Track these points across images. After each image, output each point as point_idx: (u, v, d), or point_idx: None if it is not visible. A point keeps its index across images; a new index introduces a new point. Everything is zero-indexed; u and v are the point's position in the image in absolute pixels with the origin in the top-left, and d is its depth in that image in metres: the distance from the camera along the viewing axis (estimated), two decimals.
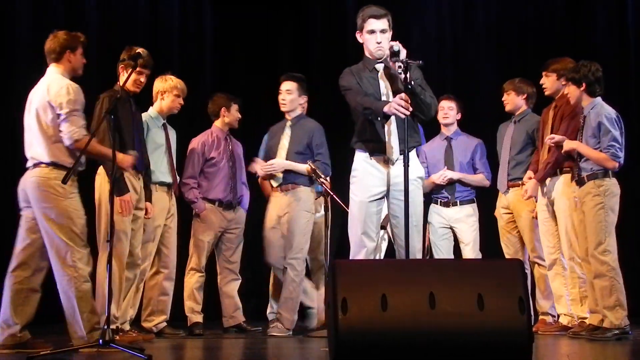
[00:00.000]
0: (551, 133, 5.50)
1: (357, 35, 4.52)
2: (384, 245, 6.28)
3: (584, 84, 5.13)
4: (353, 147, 4.51)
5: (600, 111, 5.08)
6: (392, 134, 4.36)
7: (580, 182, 5.12)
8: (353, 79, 4.47)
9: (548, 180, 5.56)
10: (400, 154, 4.33)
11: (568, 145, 5.20)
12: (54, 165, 4.44)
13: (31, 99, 4.57)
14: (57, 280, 4.43)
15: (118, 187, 4.82)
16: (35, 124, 4.49)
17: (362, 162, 4.44)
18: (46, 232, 4.43)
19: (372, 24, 4.42)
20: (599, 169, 5.04)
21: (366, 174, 4.41)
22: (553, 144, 5.37)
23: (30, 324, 4.58)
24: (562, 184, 5.45)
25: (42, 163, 4.46)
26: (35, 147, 4.50)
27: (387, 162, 4.39)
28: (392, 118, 4.34)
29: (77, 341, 4.37)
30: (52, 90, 4.46)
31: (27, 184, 4.48)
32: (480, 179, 6.17)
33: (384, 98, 4.39)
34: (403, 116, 4.17)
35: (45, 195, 4.41)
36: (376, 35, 4.41)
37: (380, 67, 4.46)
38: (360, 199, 4.40)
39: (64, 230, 4.39)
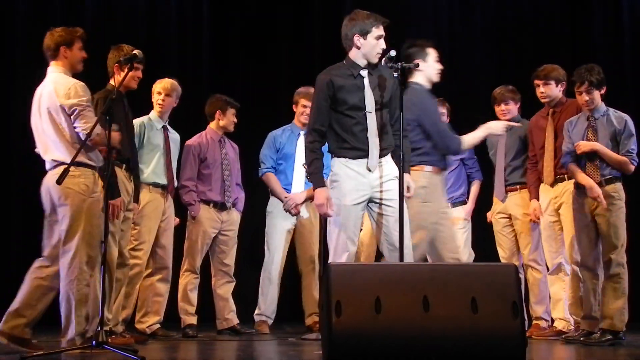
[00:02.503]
0: (556, 139, 5.49)
1: (355, 38, 4.48)
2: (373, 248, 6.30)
3: (604, 87, 5.13)
4: (331, 152, 4.49)
5: (620, 114, 5.11)
6: (374, 144, 4.38)
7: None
8: (326, 98, 4.43)
9: (550, 186, 5.57)
10: (380, 158, 4.38)
11: (587, 146, 5.14)
12: (77, 164, 4.38)
13: (39, 101, 4.51)
14: (61, 278, 4.38)
15: (111, 190, 4.80)
16: (51, 127, 4.44)
17: (341, 167, 4.42)
18: (63, 229, 4.39)
19: (382, 30, 4.46)
20: (617, 173, 5.04)
21: (347, 178, 4.39)
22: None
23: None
24: (569, 189, 5.41)
25: (64, 163, 4.40)
26: (54, 150, 4.44)
27: (368, 167, 4.40)
28: (375, 127, 4.38)
29: (66, 343, 4.34)
30: (61, 92, 4.42)
31: (50, 182, 4.43)
32: (476, 189, 6.23)
33: (368, 108, 4.39)
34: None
35: (68, 192, 4.36)
36: (382, 42, 4.45)
37: (365, 72, 4.46)
38: (343, 202, 4.37)
39: (79, 230, 4.35)
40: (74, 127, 4.40)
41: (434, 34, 7.78)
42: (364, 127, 4.38)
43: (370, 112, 4.38)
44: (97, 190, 4.45)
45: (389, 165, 4.38)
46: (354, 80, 4.44)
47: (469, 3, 7.88)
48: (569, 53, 7.36)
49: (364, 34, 4.44)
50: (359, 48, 4.47)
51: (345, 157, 4.41)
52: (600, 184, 5.07)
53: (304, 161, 6.09)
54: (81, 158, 4.38)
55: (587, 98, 5.16)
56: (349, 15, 4.54)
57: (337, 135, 4.44)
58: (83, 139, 4.38)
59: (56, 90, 4.43)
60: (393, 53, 4.35)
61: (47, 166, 4.50)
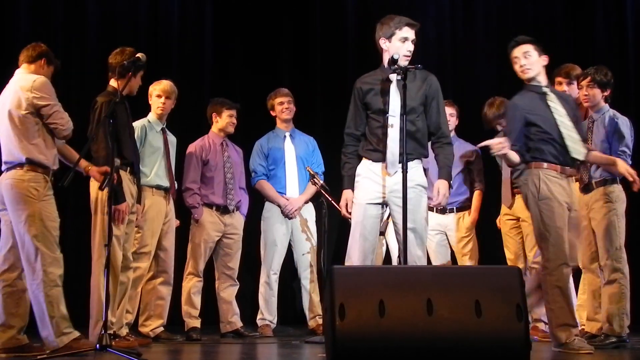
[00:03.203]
0: None
1: (381, 42, 4.52)
2: (382, 250, 6.32)
3: (609, 90, 5.15)
4: (359, 154, 4.57)
5: (614, 116, 5.10)
6: (393, 146, 4.39)
7: (588, 189, 5.11)
8: (356, 103, 4.55)
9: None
10: (399, 163, 4.35)
11: None
12: (29, 164, 4.42)
13: (2, 101, 4.55)
14: (27, 283, 4.40)
15: (115, 195, 4.82)
16: (8, 122, 4.47)
17: (364, 168, 4.52)
18: (18, 234, 4.41)
19: (407, 32, 4.48)
20: (608, 175, 5.04)
21: (366, 179, 4.48)
22: None
23: (27, 326, 4.58)
24: (574, 192, 5.41)
25: (17, 165, 4.44)
26: (8, 147, 4.48)
27: (387, 171, 4.42)
28: (395, 130, 4.38)
29: (48, 345, 4.35)
30: (25, 86, 4.46)
31: (2, 187, 4.47)
32: (480, 200, 6.19)
33: (391, 114, 4.41)
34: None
35: (19, 197, 4.39)
36: (409, 44, 4.47)
37: (394, 77, 4.48)
38: (359, 201, 4.46)
39: (36, 233, 4.36)
40: (50, 125, 4.44)
41: (437, 36, 7.81)
42: (385, 130, 4.42)
43: (394, 116, 4.40)
44: (49, 193, 4.48)
45: (413, 171, 4.35)
46: (383, 84, 4.49)
47: (471, 5, 7.88)
48: (570, 54, 7.35)
49: (389, 36, 4.49)
50: (386, 51, 4.51)
51: (368, 159, 4.49)
52: (589, 186, 5.08)
53: (295, 162, 6.21)
54: (34, 156, 4.42)
55: (585, 92, 5.18)
56: (379, 21, 4.59)
57: (365, 137, 4.55)
58: (59, 136, 4.45)
59: (20, 85, 4.48)
60: (396, 56, 4.36)
61: (2, 167, 4.54)
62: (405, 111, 4.28)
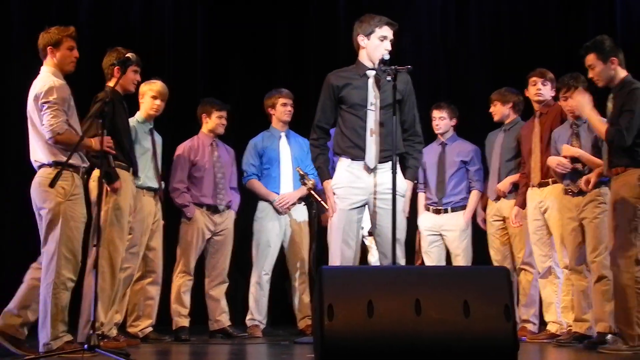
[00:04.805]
0: (541, 142, 5.53)
1: (359, 38, 4.53)
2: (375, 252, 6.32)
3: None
4: (336, 153, 4.53)
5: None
6: (373, 142, 4.39)
7: (581, 191, 5.13)
8: (330, 97, 4.51)
9: (540, 189, 5.58)
10: (380, 162, 4.38)
11: (569, 151, 5.21)
12: (56, 164, 4.34)
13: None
14: (41, 280, 4.37)
15: (109, 175, 4.79)
16: (30, 126, 4.45)
17: (343, 170, 4.47)
18: (42, 232, 4.36)
19: (387, 31, 4.49)
20: (600, 177, 5.07)
21: (347, 181, 4.43)
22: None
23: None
24: (554, 193, 5.46)
25: (44, 164, 4.40)
26: (34, 151, 4.45)
27: (368, 169, 4.41)
28: (375, 127, 4.38)
29: (43, 346, 4.31)
30: (37, 89, 4.41)
31: (33, 186, 4.43)
32: (476, 199, 6.20)
33: (371, 107, 4.42)
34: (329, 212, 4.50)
35: (45, 195, 4.33)
36: (387, 43, 4.47)
37: (371, 73, 4.49)
38: (340, 207, 4.41)
39: (58, 233, 4.30)
40: (42, 124, 4.37)
41: (430, 38, 7.82)
42: (364, 125, 4.41)
43: (373, 111, 4.40)
44: (77, 192, 4.41)
45: (390, 173, 4.30)
46: (359, 79, 4.49)
47: (465, 6, 7.90)
48: (563, 56, 7.37)
49: (368, 34, 4.50)
50: (363, 48, 4.52)
51: (347, 157, 4.45)
52: (582, 190, 5.11)
53: (291, 162, 6.20)
54: (58, 157, 4.36)
55: (573, 104, 5.21)
56: (358, 19, 4.59)
57: (341, 133, 4.50)
58: (46, 137, 4.34)
59: (34, 87, 4.44)
60: (387, 56, 4.37)
61: (35, 167, 4.51)
62: (394, 110, 4.30)
